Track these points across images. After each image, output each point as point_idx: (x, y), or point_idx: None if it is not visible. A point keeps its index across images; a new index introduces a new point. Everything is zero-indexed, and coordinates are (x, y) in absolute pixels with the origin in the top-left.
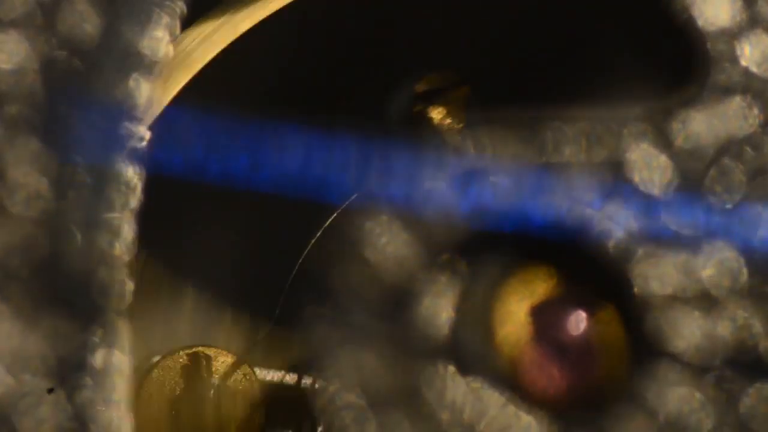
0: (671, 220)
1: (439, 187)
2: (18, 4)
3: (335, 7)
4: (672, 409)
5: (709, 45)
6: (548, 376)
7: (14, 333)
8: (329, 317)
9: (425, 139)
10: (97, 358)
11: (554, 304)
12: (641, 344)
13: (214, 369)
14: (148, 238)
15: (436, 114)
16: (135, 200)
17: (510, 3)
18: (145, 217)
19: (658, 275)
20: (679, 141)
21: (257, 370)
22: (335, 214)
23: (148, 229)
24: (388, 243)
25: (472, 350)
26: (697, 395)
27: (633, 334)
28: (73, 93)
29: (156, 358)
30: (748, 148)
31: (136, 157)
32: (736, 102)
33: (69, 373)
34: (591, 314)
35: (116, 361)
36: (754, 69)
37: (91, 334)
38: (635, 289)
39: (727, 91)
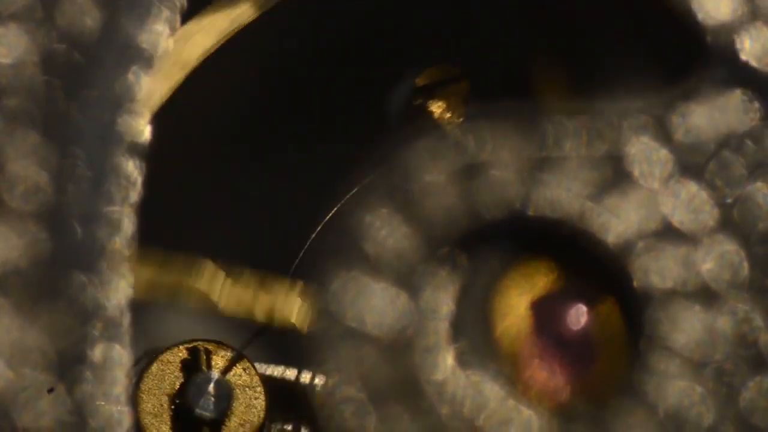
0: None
1: None
2: None
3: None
4: (672, 402)
5: (709, 38)
6: (548, 370)
7: (14, 327)
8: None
9: (425, 132)
10: (97, 352)
11: (554, 298)
12: (641, 338)
13: (213, 363)
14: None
15: (436, 108)
16: (135, 194)
17: None
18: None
19: (658, 268)
20: (679, 134)
21: (257, 365)
22: (335, 209)
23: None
24: (388, 236)
25: (472, 343)
26: (698, 389)
27: (633, 328)
28: (73, 86)
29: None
30: (748, 142)
31: (135, 150)
32: (737, 95)
33: (69, 366)
34: (591, 308)
35: (116, 355)
36: (754, 63)
37: (91, 328)
38: (635, 283)
39: (728, 85)
